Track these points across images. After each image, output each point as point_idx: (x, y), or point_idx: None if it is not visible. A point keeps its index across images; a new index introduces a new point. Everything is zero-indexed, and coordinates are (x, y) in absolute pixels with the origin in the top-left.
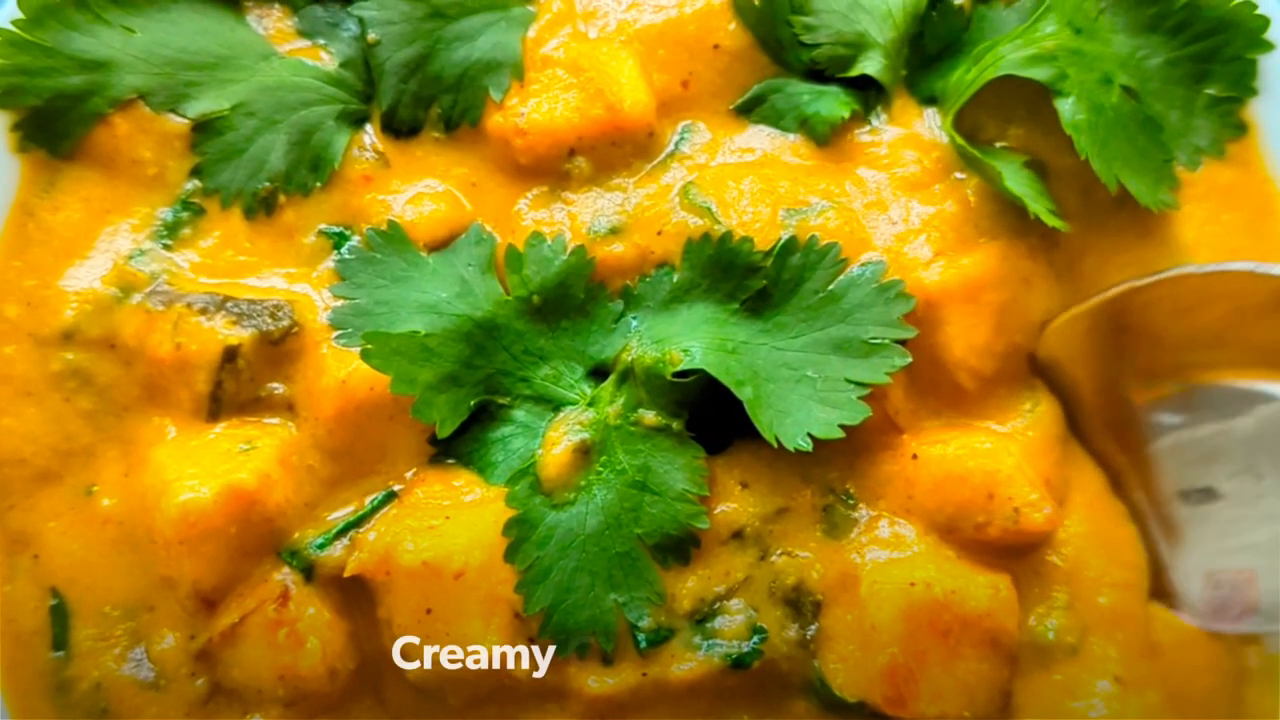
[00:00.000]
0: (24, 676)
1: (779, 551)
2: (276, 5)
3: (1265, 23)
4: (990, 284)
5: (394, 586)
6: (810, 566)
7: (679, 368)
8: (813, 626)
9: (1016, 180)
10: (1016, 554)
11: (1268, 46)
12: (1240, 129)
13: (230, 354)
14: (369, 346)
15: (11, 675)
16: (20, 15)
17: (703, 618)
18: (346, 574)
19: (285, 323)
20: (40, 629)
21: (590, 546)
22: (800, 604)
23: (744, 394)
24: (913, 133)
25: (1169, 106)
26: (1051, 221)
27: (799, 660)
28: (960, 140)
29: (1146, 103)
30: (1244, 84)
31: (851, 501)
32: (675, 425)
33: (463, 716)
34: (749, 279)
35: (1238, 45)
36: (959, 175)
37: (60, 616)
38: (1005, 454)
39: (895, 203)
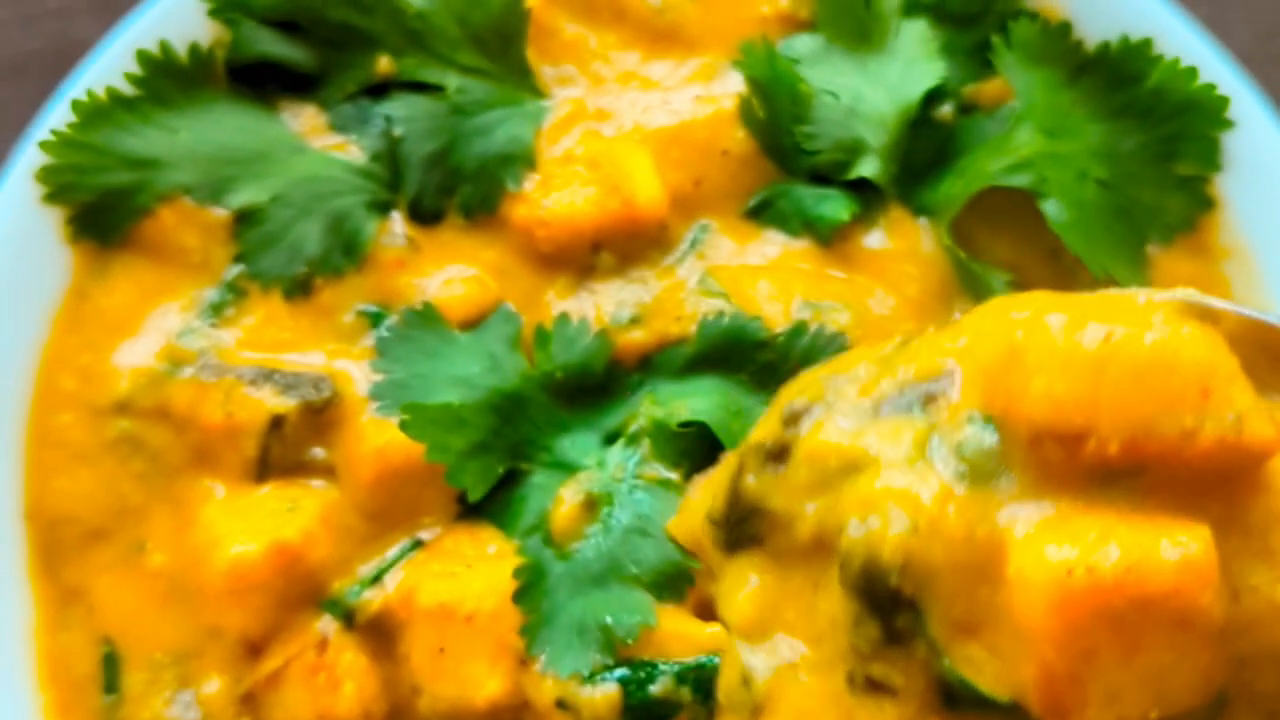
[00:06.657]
0: (77, 717)
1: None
2: (310, 103)
3: (1225, 102)
4: None
5: (414, 623)
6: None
7: (683, 419)
8: (897, 617)
9: None
10: (1222, 485)
11: (1228, 125)
12: (1208, 203)
13: (277, 421)
14: (407, 417)
15: (65, 717)
16: (73, 118)
17: None
18: (373, 610)
19: (327, 393)
20: (93, 674)
21: (594, 591)
22: (875, 590)
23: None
24: (912, 247)
25: (1143, 187)
26: None
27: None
28: (962, 255)
29: (1121, 187)
30: (1210, 160)
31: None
32: (677, 477)
33: None
34: (757, 353)
35: (1202, 125)
36: (957, 313)
37: (112, 663)
38: (1219, 348)
39: (902, 323)
